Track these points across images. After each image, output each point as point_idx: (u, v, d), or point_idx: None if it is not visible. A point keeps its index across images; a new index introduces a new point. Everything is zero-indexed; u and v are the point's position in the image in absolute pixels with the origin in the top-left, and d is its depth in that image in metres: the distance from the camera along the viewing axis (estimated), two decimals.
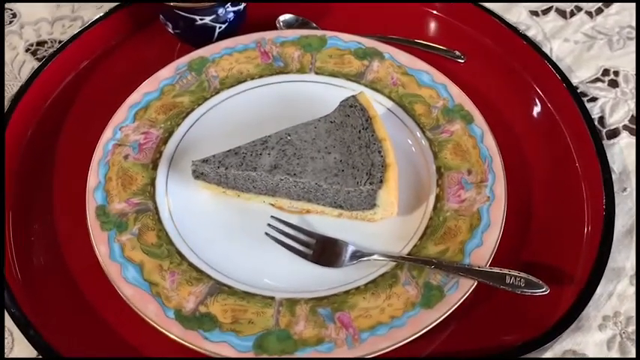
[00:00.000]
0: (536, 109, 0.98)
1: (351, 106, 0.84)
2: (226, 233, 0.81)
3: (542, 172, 0.89)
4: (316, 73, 0.97)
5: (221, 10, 0.96)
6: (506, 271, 0.73)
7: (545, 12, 1.18)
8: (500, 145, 0.86)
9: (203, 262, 0.77)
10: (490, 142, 0.86)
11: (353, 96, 0.85)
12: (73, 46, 1.01)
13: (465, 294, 0.72)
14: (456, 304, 0.72)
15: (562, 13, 1.17)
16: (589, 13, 1.17)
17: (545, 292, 0.72)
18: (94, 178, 0.82)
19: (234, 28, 1.01)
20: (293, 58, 0.98)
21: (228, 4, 0.96)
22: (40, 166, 0.89)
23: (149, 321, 0.70)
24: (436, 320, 0.70)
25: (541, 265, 0.80)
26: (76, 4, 1.17)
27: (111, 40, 1.06)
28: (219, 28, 0.99)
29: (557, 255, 0.81)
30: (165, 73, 0.94)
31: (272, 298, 0.74)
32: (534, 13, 1.17)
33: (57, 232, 0.83)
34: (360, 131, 0.81)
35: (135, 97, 0.91)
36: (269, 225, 0.80)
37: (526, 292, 0.72)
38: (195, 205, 0.83)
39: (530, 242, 0.82)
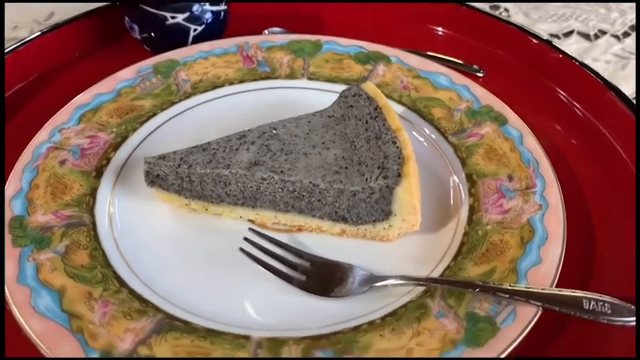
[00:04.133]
0: (575, 120, 0.81)
1: (355, 95, 0.66)
2: (187, 256, 0.59)
3: (595, 182, 0.71)
4: (309, 79, 0.80)
5: (196, 7, 0.81)
6: (581, 293, 0.51)
7: (567, 35, 1.05)
8: None
9: (150, 289, 0.55)
10: (532, 144, 0.68)
11: (356, 85, 0.68)
12: (22, 53, 0.84)
13: (527, 326, 0.50)
14: (515, 340, 0.49)
15: (585, 37, 1.04)
16: (616, 37, 1.04)
17: None
18: (14, 184, 0.62)
19: (213, 35, 0.85)
20: (282, 63, 0.81)
21: (206, 3, 0.81)
22: None
23: None
24: None
25: (616, 287, 0.58)
26: (36, 27, 1.03)
27: (68, 54, 0.90)
28: (195, 30, 0.83)
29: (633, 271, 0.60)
30: (125, 75, 0.77)
31: (247, 337, 0.51)
32: (554, 36, 1.04)
33: None
34: (367, 122, 0.63)
35: (84, 97, 0.73)
36: (245, 239, 0.59)
37: (614, 322, 0.50)
38: (147, 222, 0.62)
39: (596, 260, 0.61)
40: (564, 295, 0.51)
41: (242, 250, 0.57)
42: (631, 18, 1.09)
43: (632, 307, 0.50)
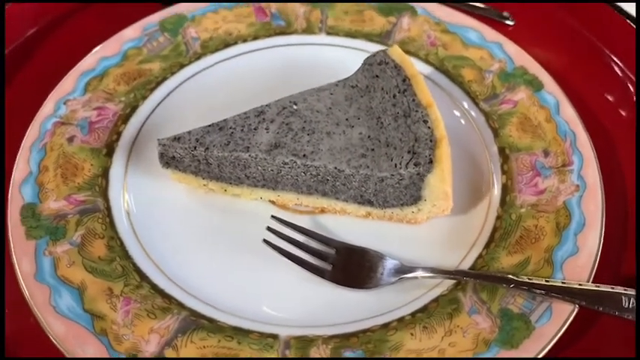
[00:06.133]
0: (612, 78, 0.75)
1: (381, 63, 0.61)
2: (208, 244, 0.57)
3: (631, 152, 0.66)
4: (328, 34, 0.74)
5: None
6: (620, 289, 0.49)
7: None
8: None
9: (173, 283, 0.53)
10: (569, 114, 0.63)
11: (383, 51, 0.62)
12: (16, 7, 0.78)
13: (564, 325, 0.49)
14: (551, 340, 0.48)
15: None
16: None
17: None
18: (23, 166, 0.59)
19: None
20: (297, 15, 0.75)
21: None
22: None
23: None
24: None
25: None
26: None
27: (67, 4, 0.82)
28: None
29: None
30: (130, 34, 0.71)
31: (274, 336, 0.50)
32: None
33: None
34: (394, 96, 0.58)
35: (88, 62, 0.68)
36: (268, 229, 0.56)
37: None
38: (164, 205, 0.60)
39: (630, 247, 0.58)
40: (603, 291, 0.49)
41: (265, 241, 0.55)
42: None
43: None
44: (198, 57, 0.71)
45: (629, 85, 0.73)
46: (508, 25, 0.82)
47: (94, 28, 0.80)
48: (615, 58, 0.77)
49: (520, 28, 0.81)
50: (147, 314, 0.50)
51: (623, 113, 0.71)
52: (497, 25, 0.81)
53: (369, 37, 0.73)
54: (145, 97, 0.67)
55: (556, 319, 0.49)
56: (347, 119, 0.58)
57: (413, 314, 0.51)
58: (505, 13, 0.82)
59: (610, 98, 0.73)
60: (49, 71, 0.71)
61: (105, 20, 0.82)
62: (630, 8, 0.86)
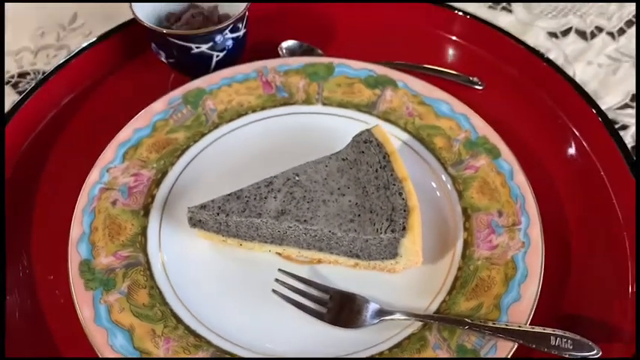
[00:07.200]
0: (565, 141, 0.90)
1: (366, 141, 0.75)
2: (227, 289, 0.71)
3: (577, 211, 0.80)
4: (324, 104, 0.88)
5: (219, 38, 0.87)
6: (550, 330, 0.64)
7: (565, 33, 1.10)
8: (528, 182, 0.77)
9: (202, 324, 0.67)
10: (521, 180, 0.77)
11: (368, 130, 0.76)
12: (56, 79, 0.93)
13: (506, 358, 0.63)
14: None
15: (582, 35, 1.10)
16: (611, 34, 1.10)
17: (597, 356, 0.62)
18: (77, 227, 0.73)
19: (233, 57, 0.92)
20: (298, 87, 0.89)
21: (227, 31, 0.87)
22: (18, 215, 0.79)
23: None
24: None
25: (584, 320, 0.71)
26: (62, 33, 1.09)
27: (98, 72, 0.97)
28: (217, 56, 0.90)
29: (602, 308, 0.71)
30: (158, 107, 0.85)
31: None
32: (553, 35, 1.10)
33: (35, 294, 0.72)
34: (377, 170, 0.72)
35: (124, 133, 0.82)
36: (277, 280, 0.70)
37: (575, 356, 0.62)
38: (191, 257, 0.74)
39: (569, 294, 0.73)
40: (536, 332, 0.64)
41: (275, 291, 0.69)
42: (629, 11, 1.14)
43: (591, 342, 0.63)
44: (216, 126, 0.85)
45: (579, 146, 0.88)
46: (477, 89, 0.96)
47: (122, 92, 0.95)
48: (568, 121, 0.91)
49: (488, 91, 0.96)
50: (183, 350, 0.64)
51: (573, 172, 0.85)
52: (467, 89, 0.95)
53: (358, 107, 0.87)
54: (172, 164, 0.81)
55: (500, 353, 0.63)
56: (339, 188, 0.72)
57: (390, 349, 0.65)
58: (474, 79, 0.97)
59: (563, 158, 0.87)
60: (85, 139, 0.86)
61: (132, 84, 0.97)
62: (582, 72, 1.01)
